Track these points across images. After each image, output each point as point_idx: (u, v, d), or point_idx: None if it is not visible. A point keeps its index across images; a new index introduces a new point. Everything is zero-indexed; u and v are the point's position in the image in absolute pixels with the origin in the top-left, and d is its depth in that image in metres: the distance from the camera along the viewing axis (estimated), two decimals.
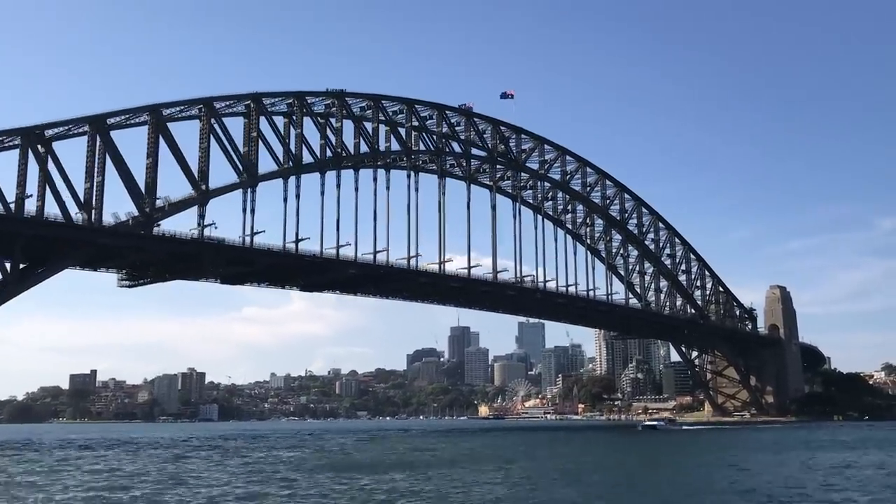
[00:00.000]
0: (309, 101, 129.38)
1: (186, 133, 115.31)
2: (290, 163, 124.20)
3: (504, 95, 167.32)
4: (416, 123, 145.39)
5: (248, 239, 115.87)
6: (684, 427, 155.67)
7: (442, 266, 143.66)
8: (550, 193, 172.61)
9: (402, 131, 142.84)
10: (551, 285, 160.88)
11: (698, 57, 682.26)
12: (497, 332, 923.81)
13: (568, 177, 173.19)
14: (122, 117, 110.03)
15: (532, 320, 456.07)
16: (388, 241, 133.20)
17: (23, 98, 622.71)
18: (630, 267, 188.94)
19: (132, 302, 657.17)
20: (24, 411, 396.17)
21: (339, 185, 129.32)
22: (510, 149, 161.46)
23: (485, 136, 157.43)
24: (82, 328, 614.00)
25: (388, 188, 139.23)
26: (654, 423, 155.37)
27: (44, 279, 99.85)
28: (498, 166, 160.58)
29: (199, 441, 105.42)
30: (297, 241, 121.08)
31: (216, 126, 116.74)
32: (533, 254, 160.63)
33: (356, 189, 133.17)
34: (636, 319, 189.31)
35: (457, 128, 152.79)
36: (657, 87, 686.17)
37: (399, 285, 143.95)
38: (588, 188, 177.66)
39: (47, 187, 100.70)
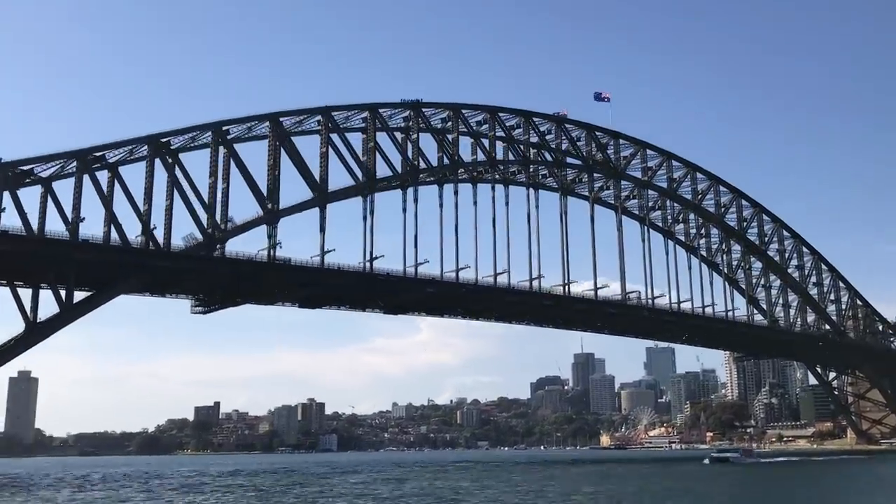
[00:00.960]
0: (382, 113, 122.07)
1: (252, 152, 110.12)
2: (365, 178, 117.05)
3: (598, 97, 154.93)
4: (501, 133, 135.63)
5: (317, 259, 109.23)
6: (763, 460, 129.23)
7: (567, 288, 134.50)
8: (657, 203, 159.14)
9: (486, 142, 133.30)
10: (665, 302, 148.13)
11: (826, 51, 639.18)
12: (624, 359, 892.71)
13: (675, 184, 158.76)
14: (186, 137, 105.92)
15: (661, 345, 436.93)
16: (477, 258, 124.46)
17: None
18: (753, 281, 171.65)
19: (269, 335, 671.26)
20: (152, 443, 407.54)
21: (416, 200, 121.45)
22: (608, 156, 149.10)
23: (579, 143, 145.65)
24: (212, 361, 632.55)
25: (475, 202, 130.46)
26: (727, 454, 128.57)
27: (98, 305, 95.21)
28: (596, 175, 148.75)
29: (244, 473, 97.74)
30: (372, 259, 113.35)
31: (284, 144, 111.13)
32: (640, 269, 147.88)
33: (440, 205, 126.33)
34: (760, 338, 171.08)
35: (547, 136, 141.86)
36: (775, 86, 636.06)
37: (518, 308, 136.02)
38: (699, 195, 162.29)
39: (109, 210, 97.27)
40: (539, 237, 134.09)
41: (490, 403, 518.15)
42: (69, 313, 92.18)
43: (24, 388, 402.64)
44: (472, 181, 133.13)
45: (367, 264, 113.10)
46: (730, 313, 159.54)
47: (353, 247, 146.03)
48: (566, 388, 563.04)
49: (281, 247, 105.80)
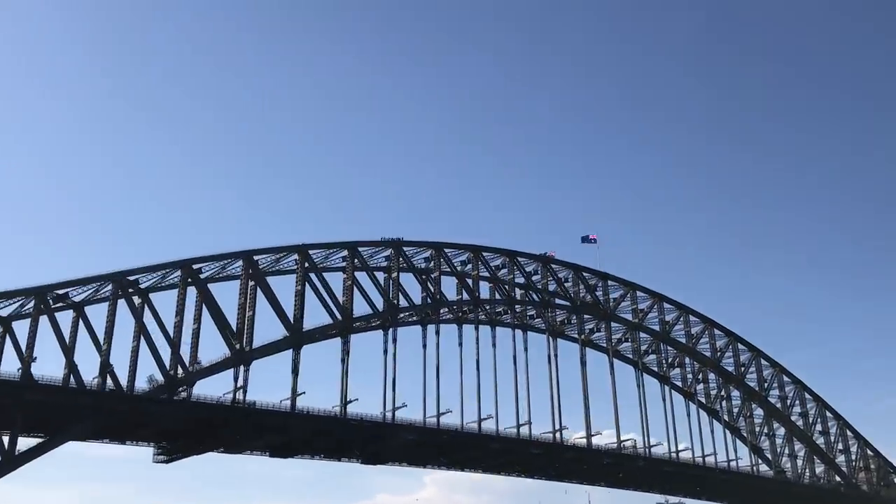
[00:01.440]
0: (362, 252, 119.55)
1: (224, 290, 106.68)
2: (342, 317, 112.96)
3: (585, 239, 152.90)
4: (486, 273, 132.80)
5: (287, 403, 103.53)
6: None
7: (558, 435, 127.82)
8: (651, 346, 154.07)
9: (470, 282, 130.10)
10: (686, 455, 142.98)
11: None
12: None
13: (668, 327, 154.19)
14: (156, 276, 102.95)
15: (672, 499, 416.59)
16: (462, 402, 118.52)
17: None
18: (755, 429, 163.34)
19: (265, 485, 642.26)
20: None
21: (395, 340, 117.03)
22: (597, 297, 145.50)
23: (566, 284, 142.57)
24: None
25: (459, 343, 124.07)
26: None
27: (45, 451, 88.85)
28: (586, 317, 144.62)
29: None
30: (346, 403, 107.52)
31: (259, 283, 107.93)
32: (636, 416, 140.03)
33: (423, 345, 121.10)
34: (767, 490, 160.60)
35: (533, 276, 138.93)
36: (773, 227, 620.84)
37: (505, 458, 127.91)
38: (693, 339, 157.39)
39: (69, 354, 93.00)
40: (528, 381, 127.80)
41: None
42: (11, 463, 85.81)
43: None
44: (456, 321, 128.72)
45: (343, 408, 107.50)
46: (732, 463, 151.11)
47: (328, 390, 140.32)
48: None
49: (244, 392, 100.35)
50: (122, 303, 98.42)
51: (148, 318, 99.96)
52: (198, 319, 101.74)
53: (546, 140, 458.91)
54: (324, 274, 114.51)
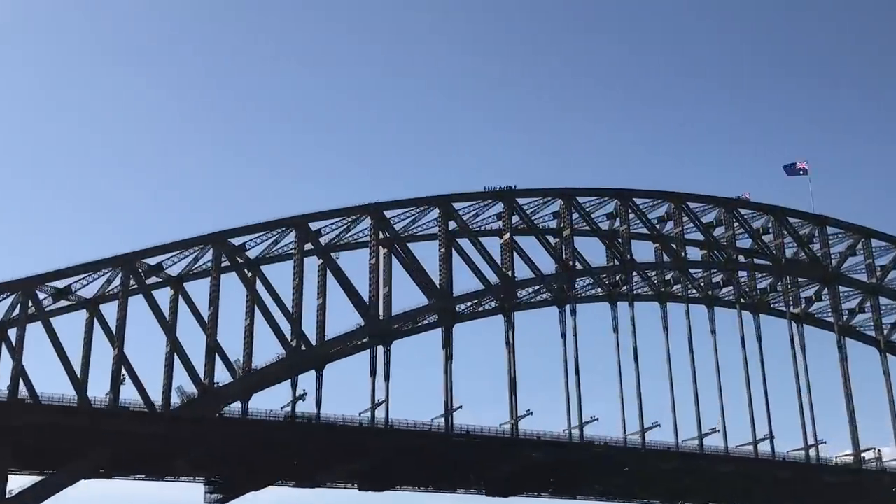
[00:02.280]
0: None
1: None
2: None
3: (791, 170, 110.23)
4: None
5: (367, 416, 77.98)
6: None
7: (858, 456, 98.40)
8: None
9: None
10: None
11: None
12: None
13: None
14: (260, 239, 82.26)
15: None
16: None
17: None
18: None
19: None
20: None
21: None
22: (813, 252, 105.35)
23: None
24: None
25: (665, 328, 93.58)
26: None
27: (56, 491, 68.03)
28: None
29: None
30: (450, 411, 79.92)
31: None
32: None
33: (615, 329, 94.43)
34: None
35: (716, 229, 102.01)
36: None
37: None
38: None
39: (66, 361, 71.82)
40: (764, 377, 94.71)
41: None
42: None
43: None
44: (658, 298, 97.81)
45: (448, 418, 79.97)
46: None
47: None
48: None
49: (304, 400, 75.87)
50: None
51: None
52: (322, 292, 79.85)
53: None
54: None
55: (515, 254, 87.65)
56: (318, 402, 76.74)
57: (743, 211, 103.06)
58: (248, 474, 78.25)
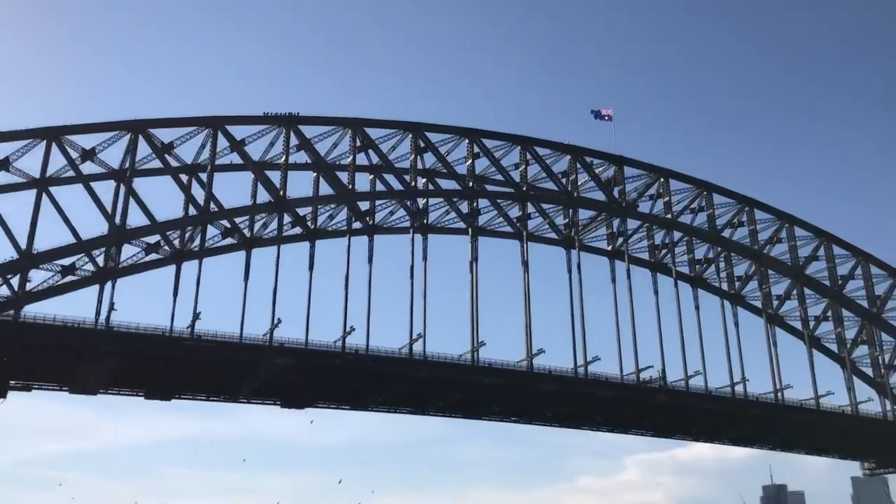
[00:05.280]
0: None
1: None
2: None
3: (598, 115, 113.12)
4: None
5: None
6: None
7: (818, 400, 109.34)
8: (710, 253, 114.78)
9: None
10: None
11: None
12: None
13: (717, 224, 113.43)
14: None
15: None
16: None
17: None
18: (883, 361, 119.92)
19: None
20: None
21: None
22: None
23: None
24: None
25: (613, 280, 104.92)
26: None
27: None
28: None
29: None
30: (476, 348, 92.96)
31: None
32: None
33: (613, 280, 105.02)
34: None
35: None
36: None
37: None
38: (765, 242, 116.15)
39: None
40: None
41: None
42: None
43: None
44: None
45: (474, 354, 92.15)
46: (854, 408, 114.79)
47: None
48: None
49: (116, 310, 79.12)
50: None
51: None
52: None
53: None
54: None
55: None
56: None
57: (541, 150, 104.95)
58: None
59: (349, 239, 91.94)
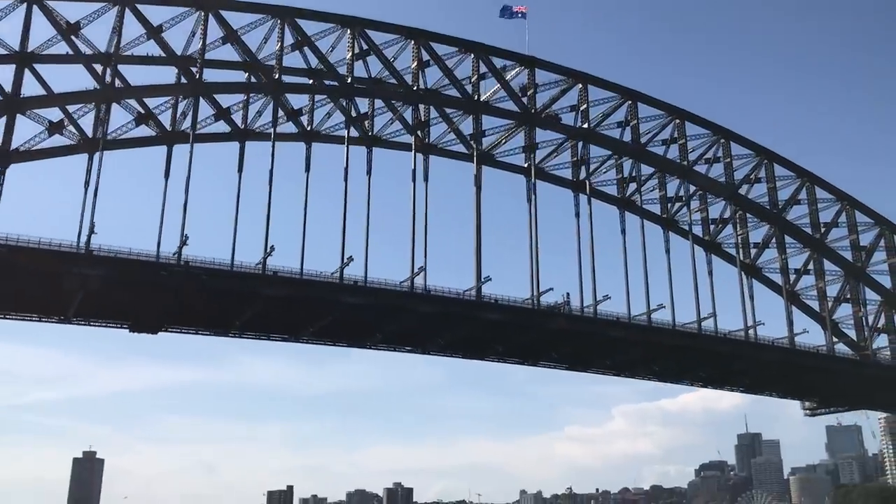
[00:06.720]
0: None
1: None
2: None
3: (508, 12, 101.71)
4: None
5: None
6: None
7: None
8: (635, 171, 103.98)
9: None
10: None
11: None
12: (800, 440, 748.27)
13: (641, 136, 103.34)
14: None
15: (844, 423, 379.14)
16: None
17: None
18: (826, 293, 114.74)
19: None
20: None
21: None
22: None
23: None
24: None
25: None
26: None
27: None
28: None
29: None
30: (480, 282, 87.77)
31: None
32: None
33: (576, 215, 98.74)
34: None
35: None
36: None
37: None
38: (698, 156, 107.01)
39: None
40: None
41: (639, 493, 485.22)
42: None
43: None
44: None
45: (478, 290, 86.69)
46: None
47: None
48: (733, 472, 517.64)
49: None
50: None
51: None
52: None
53: None
54: None
55: None
56: None
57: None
58: None
59: (346, 147, 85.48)
